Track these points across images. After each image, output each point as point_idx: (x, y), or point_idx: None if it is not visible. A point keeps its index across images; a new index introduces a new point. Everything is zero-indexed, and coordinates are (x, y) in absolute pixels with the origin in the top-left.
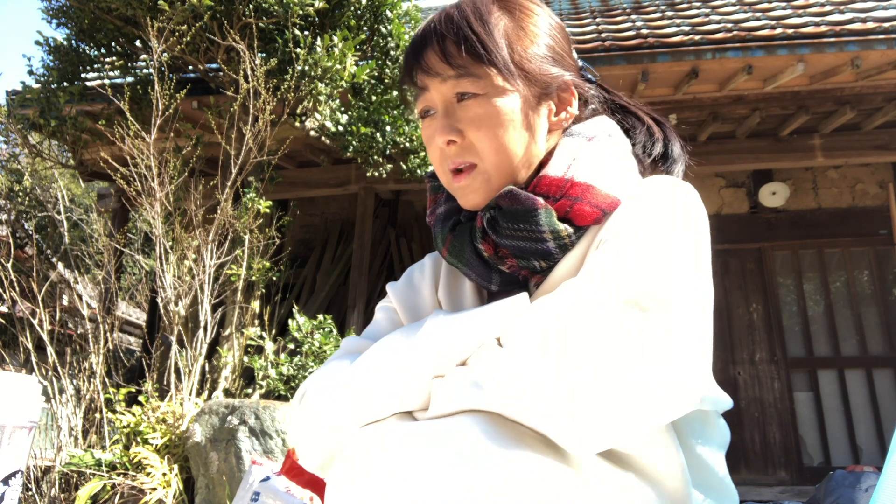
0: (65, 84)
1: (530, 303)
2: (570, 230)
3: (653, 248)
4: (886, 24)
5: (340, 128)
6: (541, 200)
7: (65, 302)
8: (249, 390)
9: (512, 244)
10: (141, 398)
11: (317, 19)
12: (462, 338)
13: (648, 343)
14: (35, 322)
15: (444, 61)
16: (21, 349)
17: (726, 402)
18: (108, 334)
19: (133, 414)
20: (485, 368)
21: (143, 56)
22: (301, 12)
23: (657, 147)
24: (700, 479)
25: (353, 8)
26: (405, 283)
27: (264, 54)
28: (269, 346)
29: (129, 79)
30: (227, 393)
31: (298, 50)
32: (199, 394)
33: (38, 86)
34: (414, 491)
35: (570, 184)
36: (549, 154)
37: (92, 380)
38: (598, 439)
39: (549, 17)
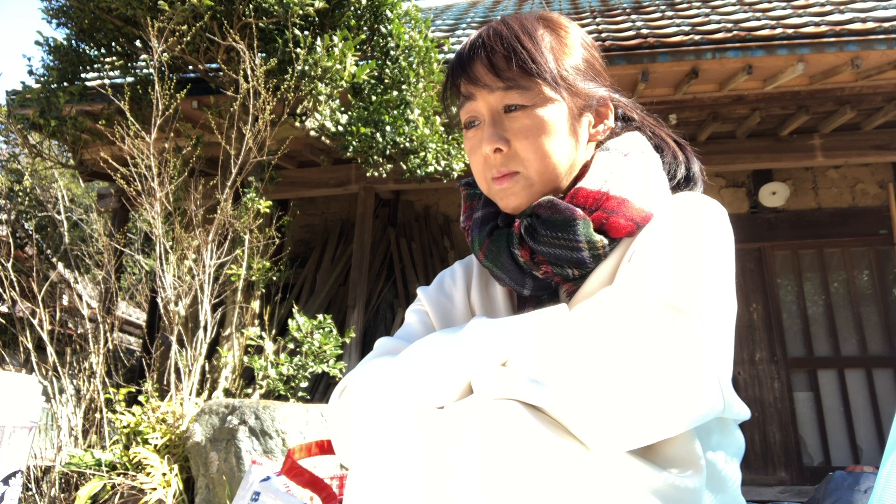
0: (65, 84)
1: (567, 310)
2: (605, 241)
3: (686, 258)
4: (886, 24)
5: (340, 128)
6: (580, 211)
7: (65, 302)
8: (249, 390)
9: (549, 251)
10: (141, 398)
11: (317, 19)
12: (504, 340)
13: (687, 346)
14: (35, 322)
15: (494, 73)
16: (21, 349)
17: (744, 412)
18: (108, 334)
19: (133, 414)
20: (541, 367)
21: (143, 56)
22: (301, 12)
23: (681, 169)
24: (712, 484)
25: (353, 8)
26: (437, 288)
27: (264, 54)
28: (269, 346)
29: (129, 79)
30: (227, 393)
31: (298, 50)
32: (199, 394)
33: (38, 86)
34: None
35: (606, 197)
36: (585, 167)
37: (92, 380)
38: (633, 439)
39: (585, 35)
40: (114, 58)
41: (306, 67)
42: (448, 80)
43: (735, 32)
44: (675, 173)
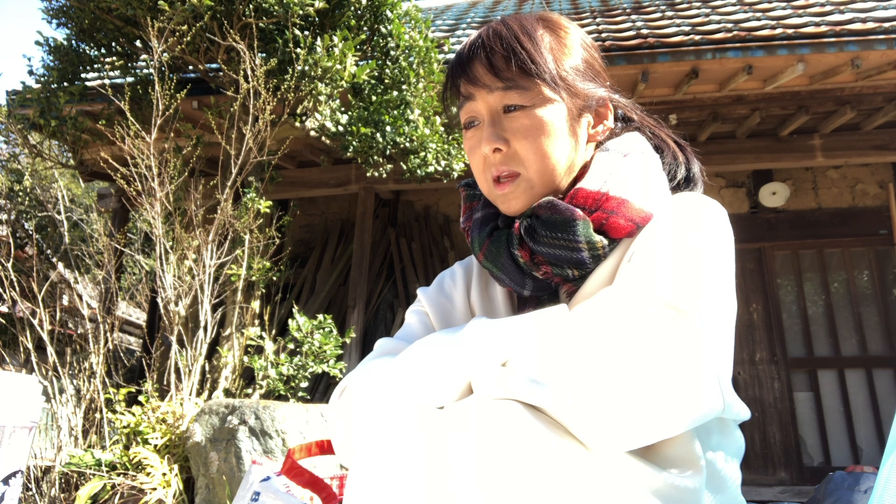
0: (65, 84)
1: (567, 311)
2: (605, 242)
3: (686, 259)
4: (886, 24)
5: (340, 128)
6: (579, 212)
7: (65, 302)
8: (249, 390)
9: (548, 252)
10: (141, 398)
11: (317, 19)
12: (504, 341)
13: (687, 346)
14: (35, 322)
15: (493, 74)
16: (21, 349)
17: (744, 412)
18: (108, 334)
19: (133, 414)
20: (541, 367)
21: (144, 56)
22: (301, 12)
23: (681, 170)
24: (712, 484)
25: (353, 8)
26: (437, 289)
27: (264, 54)
28: (269, 346)
29: (130, 79)
30: (227, 393)
31: (298, 50)
32: (199, 394)
33: (38, 86)
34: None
35: (606, 197)
36: (585, 168)
37: (92, 380)
38: (633, 439)
39: (585, 36)
40: (114, 58)
41: (306, 67)
42: (448, 80)
43: (735, 32)
44: (675, 174)
